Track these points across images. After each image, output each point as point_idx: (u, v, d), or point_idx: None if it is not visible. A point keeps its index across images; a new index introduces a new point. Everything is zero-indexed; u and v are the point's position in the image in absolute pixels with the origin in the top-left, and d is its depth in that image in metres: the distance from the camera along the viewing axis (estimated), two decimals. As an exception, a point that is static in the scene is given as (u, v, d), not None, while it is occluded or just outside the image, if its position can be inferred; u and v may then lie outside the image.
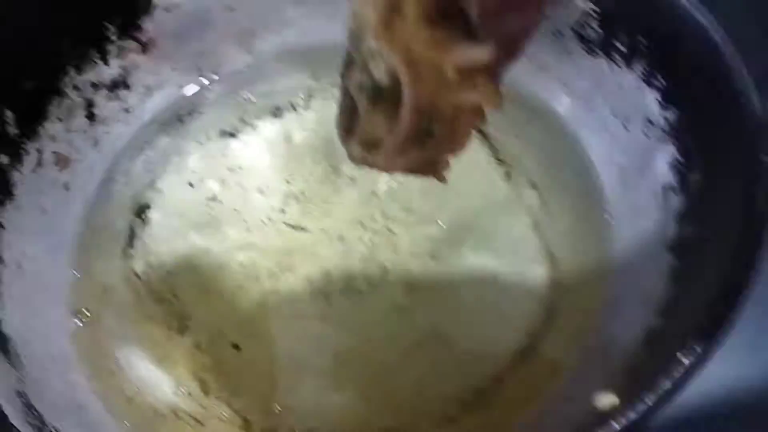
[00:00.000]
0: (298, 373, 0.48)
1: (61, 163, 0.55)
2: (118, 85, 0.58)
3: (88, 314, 0.51)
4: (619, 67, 0.51)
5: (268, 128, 0.59)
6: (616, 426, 0.35)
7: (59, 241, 0.53)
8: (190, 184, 0.56)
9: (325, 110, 0.58)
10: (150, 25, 0.58)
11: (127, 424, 0.47)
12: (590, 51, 0.53)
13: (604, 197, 0.52)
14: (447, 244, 0.52)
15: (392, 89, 0.34)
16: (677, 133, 0.47)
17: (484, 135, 0.56)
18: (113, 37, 0.57)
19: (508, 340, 0.48)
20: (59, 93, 0.55)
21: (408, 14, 0.31)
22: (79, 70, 0.55)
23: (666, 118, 0.48)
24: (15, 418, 0.41)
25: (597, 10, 0.51)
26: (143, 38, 0.58)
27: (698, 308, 0.39)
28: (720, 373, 0.44)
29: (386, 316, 0.50)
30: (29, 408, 0.43)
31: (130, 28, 0.57)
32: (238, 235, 0.54)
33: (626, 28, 0.50)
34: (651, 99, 0.49)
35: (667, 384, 0.35)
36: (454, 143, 0.36)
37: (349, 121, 0.38)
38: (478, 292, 0.50)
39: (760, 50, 0.46)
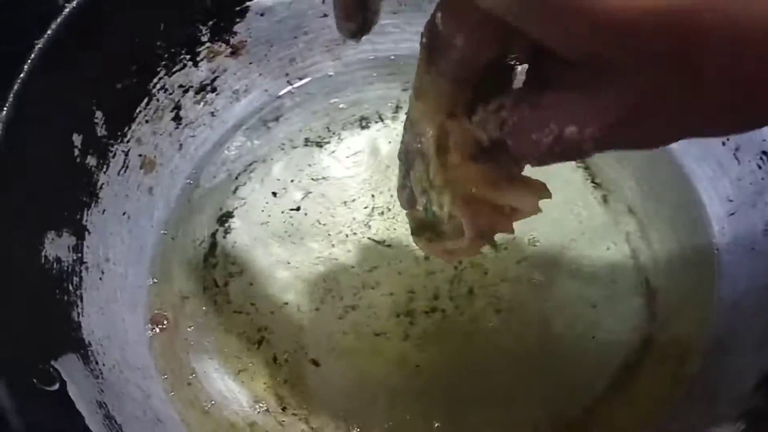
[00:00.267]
0: (378, 393, 0.47)
1: (147, 166, 0.54)
2: (206, 88, 0.57)
3: (167, 322, 0.50)
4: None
5: (355, 138, 0.58)
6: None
7: (140, 246, 0.53)
8: (274, 194, 0.55)
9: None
10: (242, 29, 0.57)
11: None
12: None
13: (711, 229, 0.50)
14: (540, 268, 0.50)
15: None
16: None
17: (581, 157, 0.53)
18: (205, 39, 0.56)
19: (601, 370, 0.47)
20: (148, 94, 0.54)
21: (453, 155, 0.34)
22: (169, 71, 0.55)
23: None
24: (96, 430, 0.40)
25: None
26: (234, 42, 0.57)
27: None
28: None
29: (472, 339, 0.48)
30: (110, 419, 0.42)
31: (222, 31, 0.56)
32: (320, 248, 0.53)
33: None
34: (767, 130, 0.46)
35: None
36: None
37: (411, 199, 0.39)
38: (572, 319, 0.48)
39: None
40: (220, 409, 0.47)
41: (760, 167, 0.48)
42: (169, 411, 0.47)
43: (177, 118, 0.56)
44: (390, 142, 0.57)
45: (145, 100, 0.54)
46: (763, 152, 0.47)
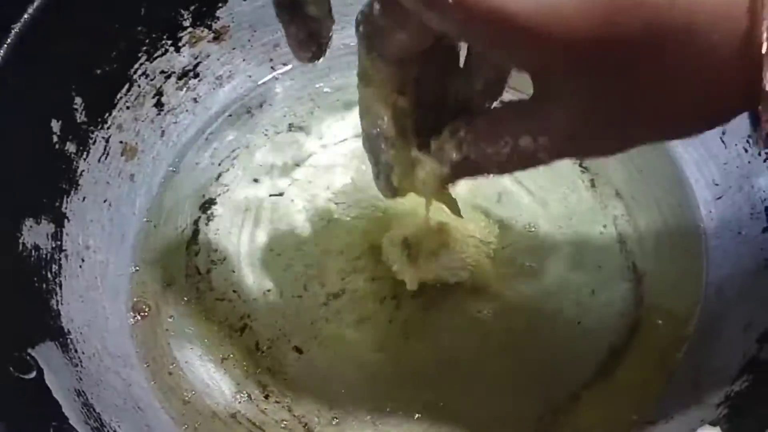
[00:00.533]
0: (361, 380, 0.47)
1: (128, 153, 0.53)
2: (189, 74, 0.57)
3: (148, 309, 0.50)
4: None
5: (339, 123, 0.57)
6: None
7: (122, 234, 0.52)
8: (256, 180, 0.55)
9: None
10: (224, 14, 0.56)
11: (185, 427, 0.45)
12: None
13: (698, 213, 0.50)
14: (527, 254, 0.50)
15: None
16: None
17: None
18: (186, 24, 0.55)
19: (587, 356, 0.46)
20: (129, 80, 0.53)
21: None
22: (151, 57, 0.54)
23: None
24: (74, 419, 0.40)
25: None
26: (216, 27, 0.56)
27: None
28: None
29: (459, 324, 0.48)
30: (88, 408, 0.41)
31: (204, 16, 0.56)
32: (304, 235, 0.52)
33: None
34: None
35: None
36: None
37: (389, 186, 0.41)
38: (558, 305, 0.48)
39: None
40: (202, 398, 0.47)
41: (746, 151, 0.47)
42: (150, 399, 0.46)
43: (159, 105, 0.55)
44: (375, 127, 0.56)
45: (126, 86, 0.53)
46: (750, 136, 0.46)
